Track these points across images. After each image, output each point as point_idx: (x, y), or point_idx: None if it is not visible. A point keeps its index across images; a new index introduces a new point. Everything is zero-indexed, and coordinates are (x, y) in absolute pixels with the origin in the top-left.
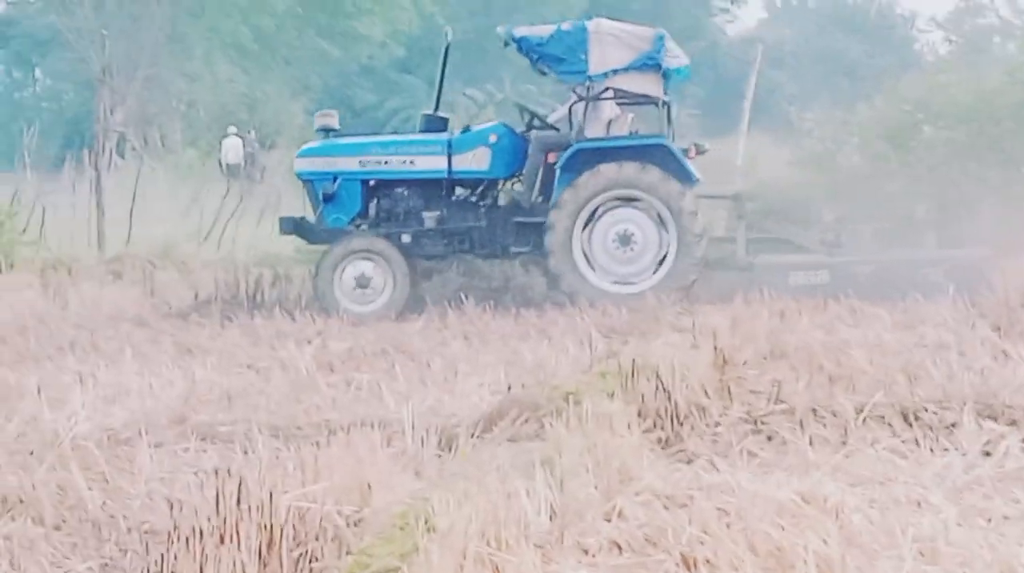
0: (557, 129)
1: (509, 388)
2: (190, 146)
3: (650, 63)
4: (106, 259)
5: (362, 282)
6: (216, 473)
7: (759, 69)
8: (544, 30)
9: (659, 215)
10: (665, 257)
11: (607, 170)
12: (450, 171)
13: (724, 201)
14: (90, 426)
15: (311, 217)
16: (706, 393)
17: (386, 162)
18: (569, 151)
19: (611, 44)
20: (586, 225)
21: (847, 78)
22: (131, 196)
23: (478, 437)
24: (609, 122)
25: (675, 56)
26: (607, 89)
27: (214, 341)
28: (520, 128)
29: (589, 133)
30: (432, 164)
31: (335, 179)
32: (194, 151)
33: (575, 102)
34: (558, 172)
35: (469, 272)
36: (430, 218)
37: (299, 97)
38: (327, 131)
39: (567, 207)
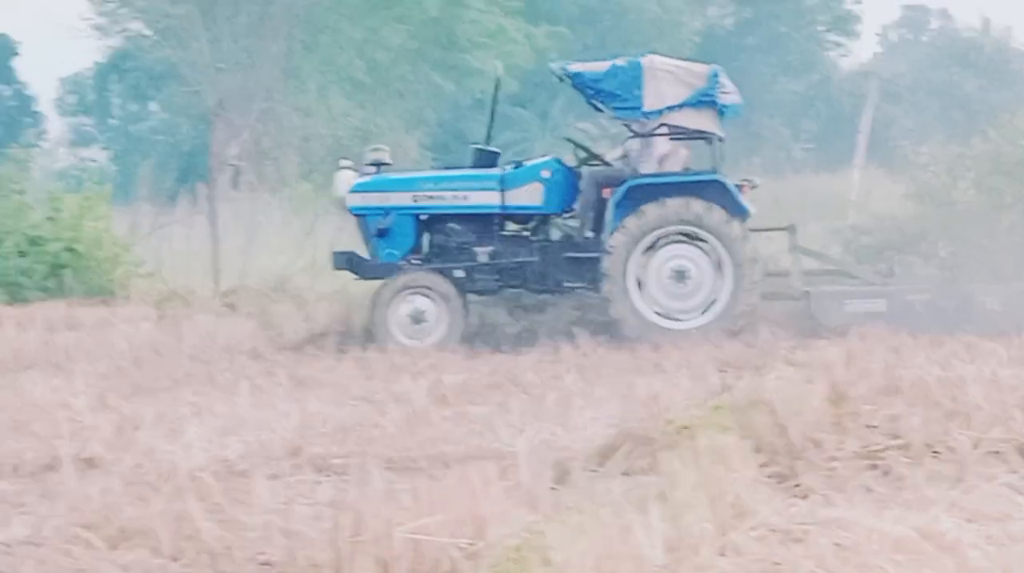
0: (609, 164)
1: (623, 421)
2: (305, 179)
3: (705, 100)
4: (221, 291)
5: (416, 317)
6: (332, 505)
7: (873, 103)
8: (599, 66)
9: (714, 251)
10: (718, 295)
11: (661, 206)
12: (503, 206)
13: (779, 233)
14: (206, 457)
15: (363, 252)
16: (822, 428)
17: (439, 197)
18: (623, 187)
19: (666, 80)
20: (641, 260)
21: (962, 112)
22: (246, 229)
23: (592, 470)
24: (662, 158)
25: (729, 93)
26: (661, 125)
27: (328, 373)
28: (573, 163)
29: (643, 169)
30: (485, 199)
31: (388, 214)
32: (308, 184)
33: (629, 138)
34: (612, 208)
35: (582, 306)
36: (483, 253)
37: (413, 131)
38: (378, 165)
39: (621, 243)
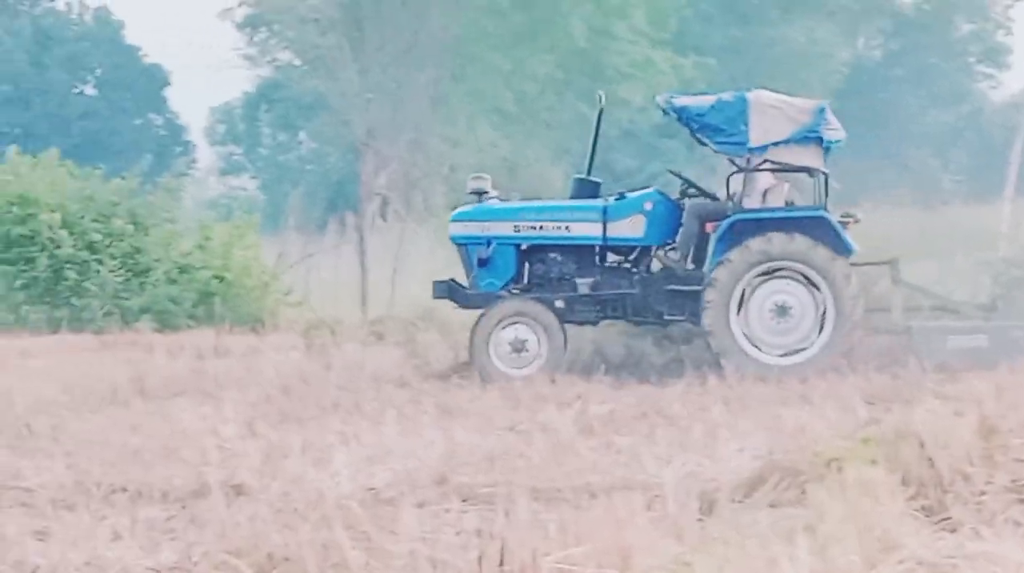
0: (711, 197)
1: (770, 453)
2: (452, 209)
3: (811, 136)
4: (369, 320)
5: (517, 346)
6: (478, 534)
7: None
8: (705, 100)
9: (816, 287)
10: (821, 329)
11: (765, 241)
12: (605, 238)
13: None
14: (353, 486)
15: (461, 280)
16: (971, 461)
17: (541, 227)
18: (727, 221)
19: (772, 116)
20: (743, 294)
21: None
22: (393, 258)
23: (739, 502)
24: (765, 192)
25: (834, 129)
26: (765, 160)
27: (474, 403)
28: (674, 195)
29: (746, 203)
30: (587, 230)
31: (489, 243)
32: None
33: (733, 172)
34: (715, 241)
35: None
36: (583, 284)
37: (559, 161)
38: (480, 194)
39: (725, 276)
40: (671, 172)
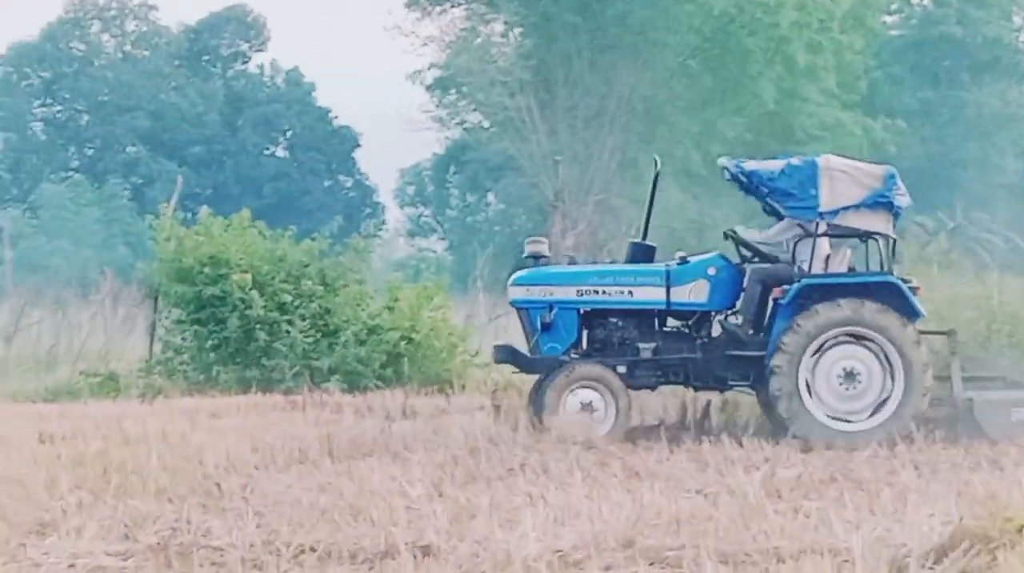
0: (772, 261)
1: (960, 519)
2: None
3: (881, 201)
4: None
5: (587, 409)
6: None
7: None
8: (774, 165)
9: (884, 354)
10: (888, 397)
11: (834, 307)
12: (668, 302)
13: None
14: (540, 547)
15: (521, 345)
16: None
17: (604, 292)
18: (796, 287)
19: (842, 181)
20: (810, 361)
21: None
22: None
23: (928, 568)
24: (827, 257)
25: (902, 194)
26: (835, 225)
27: (662, 465)
28: (735, 259)
29: (807, 268)
30: (650, 295)
31: (551, 308)
32: None
33: (801, 237)
34: (782, 306)
35: None
36: (645, 349)
37: (748, 222)
38: (536, 258)
39: (793, 342)
40: (729, 236)
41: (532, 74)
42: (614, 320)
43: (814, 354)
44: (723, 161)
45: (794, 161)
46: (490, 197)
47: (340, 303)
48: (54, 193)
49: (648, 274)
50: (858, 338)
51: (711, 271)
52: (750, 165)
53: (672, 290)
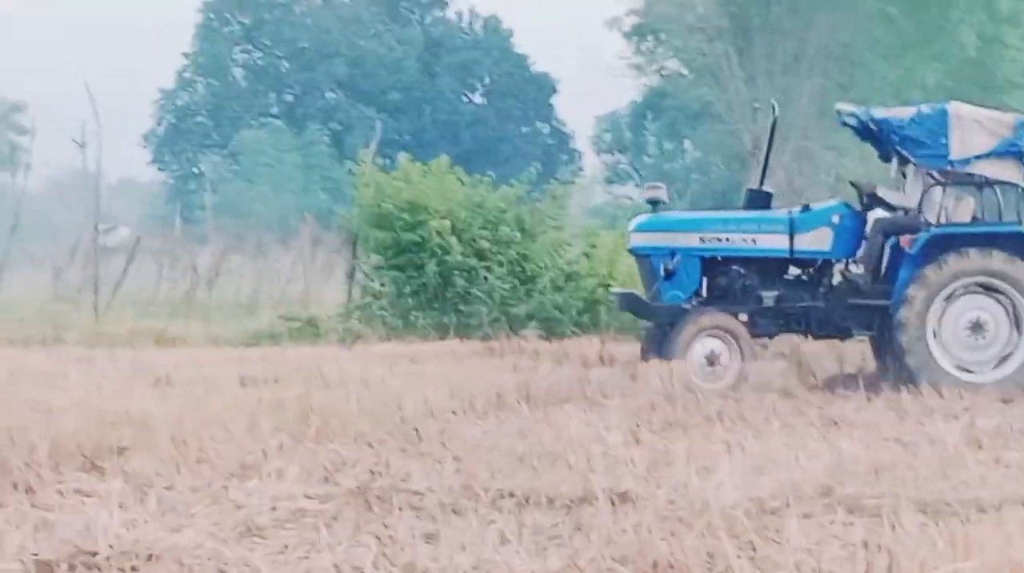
0: (895, 209)
1: None
2: None
3: (1012, 150)
4: None
5: (711, 359)
6: (864, 547)
7: None
8: (904, 112)
9: (1012, 305)
10: (1014, 349)
11: (962, 257)
12: (792, 250)
13: None
14: (737, 495)
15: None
16: None
17: (727, 239)
18: (925, 236)
19: (972, 129)
20: (937, 311)
21: None
22: None
23: None
24: (948, 206)
25: None
26: (966, 174)
27: (859, 414)
28: (858, 207)
29: (931, 217)
30: (774, 242)
31: (674, 255)
32: None
33: (931, 185)
34: (908, 256)
35: None
36: (768, 297)
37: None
38: (655, 204)
39: (920, 294)
40: (853, 184)
41: (730, 20)
42: (736, 268)
43: (942, 304)
44: (843, 106)
45: (924, 109)
46: (687, 144)
47: (537, 250)
48: (254, 139)
49: (772, 221)
50: (986, 288)
51: (835, 219)
52: (880, 112)
53: (795, 238)
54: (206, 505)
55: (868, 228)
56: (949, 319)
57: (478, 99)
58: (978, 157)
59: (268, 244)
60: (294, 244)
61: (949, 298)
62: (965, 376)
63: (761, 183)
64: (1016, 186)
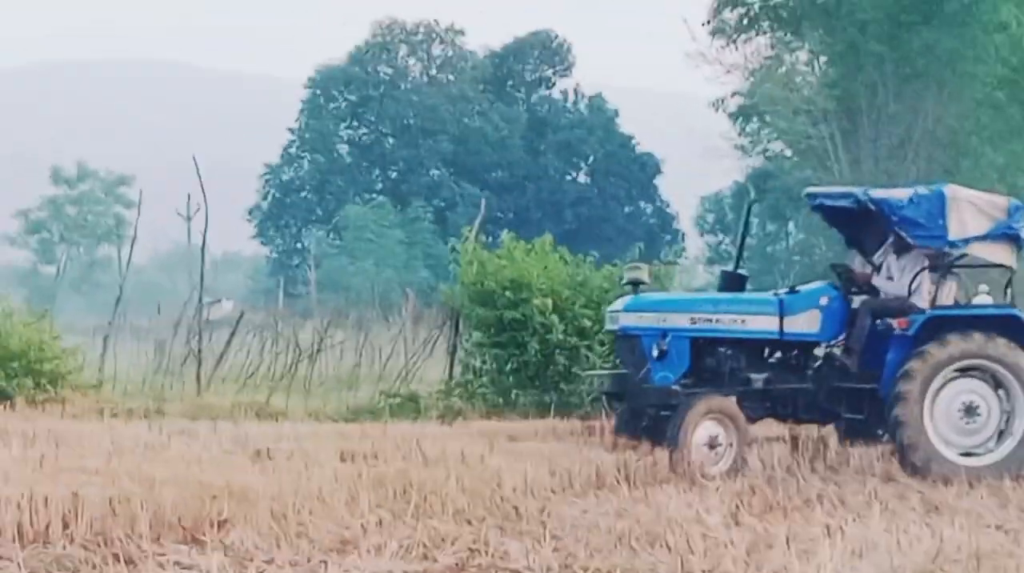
0: (875, 293)
1: None
2: None
3: (1009, 233)
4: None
5: (712, 443)
6: None
7: None
8: (901, 194)
9: (1006, 388)
10: (1003, 431)
11: (965, 338)
12: (782, 332)
13: None
14: None
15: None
16: None
17: (717, 320)
18: (923, 318)
19: (969, 211)
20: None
21: None
22: None
23: None
24: (934, 288)
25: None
26: (962, 255)
27: (961, 500)
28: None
29: (921, 302)
30: (764, 325)
31: (665, 335)
32: None
33: (924, 267)
34: (900, 338)
35: None
36: (757, 379)
37: None
38: (636, 285)
39: (922, 369)
40: (834, 267)
41: (836, 103)
42: (724, 349)
43: (938, 386)
44: (813, 189)
45: (921, 190)
46: (791, 226)
47: None
48: (358, 214)
49: (762, 303)
50: (970, 371)
51: (823, 301)
52: (878, 193)
53: (785, 319)
54: None
55: (851, 312)
56: (941, 402)
57: (582, 178)
58: (974, 239)
59: (370, 319)
60: (396, 320)
61: (945, 380)
62: (964, 461)
63: (736, 266)
64: (1010, 269)
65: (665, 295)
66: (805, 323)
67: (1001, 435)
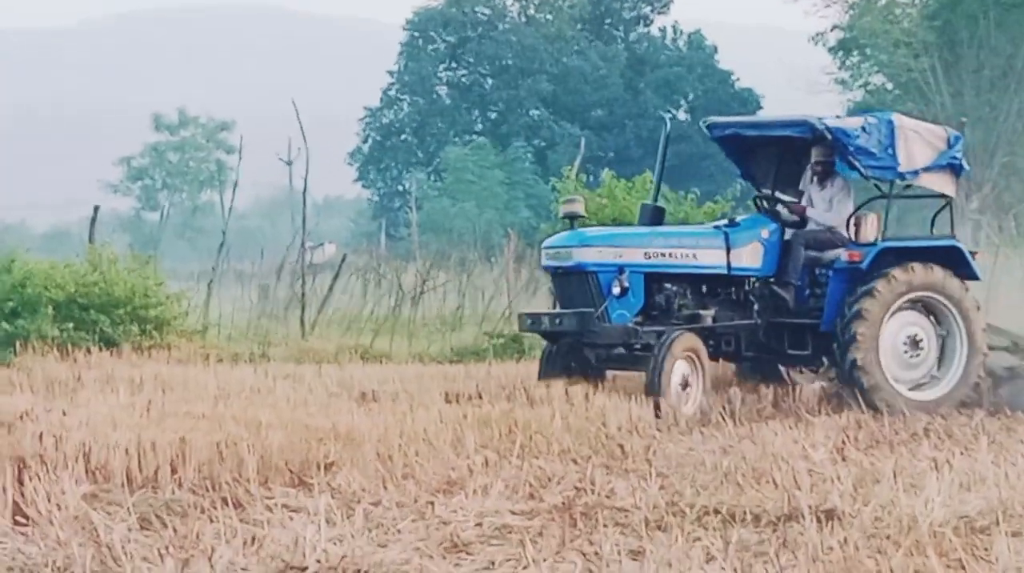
0: (802, 225)
1: None
2: None
3: (953, 163)
4: None
5: (684, 382)
6: None
7: None
8: (854, 122)
9: (949, 319)
10: (942, 362)
11: (907, 272)
12: (729, 267)
13: None
14: (945, 513)
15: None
16: None
17: (670, 255)
18: (874, 251)
19: (915, 141)
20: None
21: None
22: (986, 285)
23: None
24: (855, 220)
25: (963, 156)
26: (908, 186)
27: None
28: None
29: (846, 232)
30: (713, 259)
31: (622, 271)
32: None
33: (875, 197)
34: (850, 272)
35: None
36: (706, 316)
37: None
38: (572, 219)
39: (875, 309)
40: (762, 199)
41: (936, 35)
42: (670, 286)
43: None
44: (713, 119)
45: (871, 119)
46: None
47: None
48: (458, 156)
49: (710, 235)
50: (915, 303)
51: (764, 234)
52: (832, 122)
53: (732, 253)
54: (412, 521)
55: (792, 245)
56: (887, 336)
57: (682, 115)
58: (922, 170)
59: (472, 261)
60: (498, 261)
61: (892, 315)
62: (915, 395)
63: (655, 198)
64: (949, 199)
65: (618, 229)
66: (749, 257)
67: (939, 363)
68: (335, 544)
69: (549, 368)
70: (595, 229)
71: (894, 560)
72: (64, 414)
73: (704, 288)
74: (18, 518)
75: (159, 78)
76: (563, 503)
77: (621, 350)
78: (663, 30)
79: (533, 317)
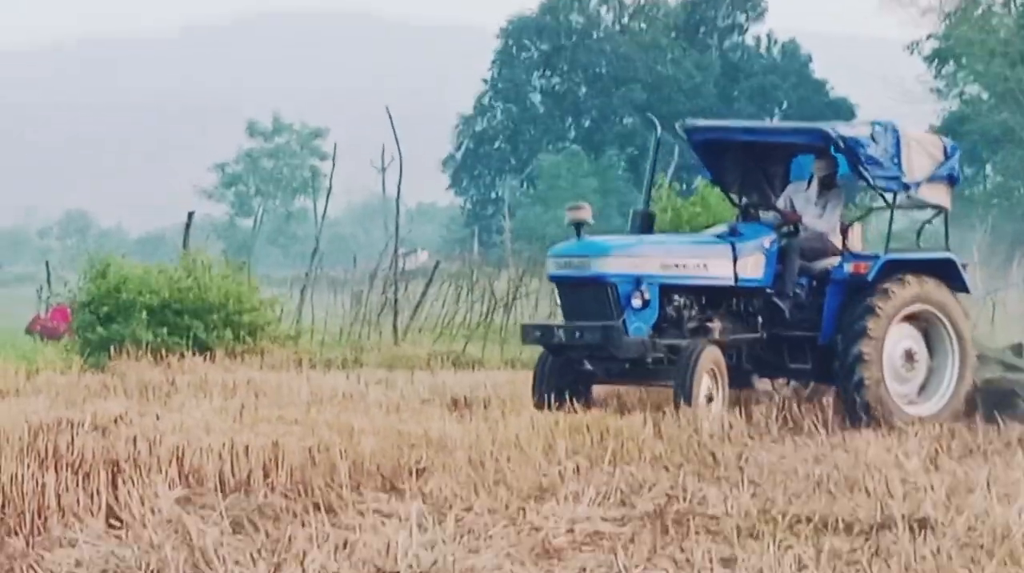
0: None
1: None
2: None
3: (952, 174)
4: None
5: (710, 396)
6: None
7: None
8: (861, 130)
9: (940, 331)
10: (933, 376)
11: (903, 286)
12: (736, 278)
13: None
14: None
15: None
16: None
17: (684, 266)
18: (879, 263)
19: (916, 151)
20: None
21: None
22: None
23: None
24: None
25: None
26: (907, 198)
27: None
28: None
29: (836, 241)
30: (721, 270)
31: (639, 282)
32: None
33: (876, 207)
34: (842, 283)
35: None
36: (713, 329)
37: None
38: (579, 226)
39: (877, 328)
40: (751, 207)
41: None
42: (679, 297)
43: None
44: (692, 122)
45: (877, 127)
46: (988, 169)
47: None
48: (552, 164)
49: (718, 244)
50: (909, 317)
51: (766, 243)
52: (844, 131)
53: (738, 264)
54: (503, 527)
55: (787, 254)
56: (886, 353)
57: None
58: (924, 182)
59: None
60: None
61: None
62: (914, 410)
63: (646, 203)
64: (945, 211)
65: (634, 238)
66: (753, 268)
67: (929, 377)
68: (426, 550)
69: (546, 384)
70: (610, 238)
71: (987, 570)
72: (157, 418)
73: (704, 299)
74: (112, 521)
75: (251, 82)
76: (655, 510)
77: (631, 365)
78: (757, 39)
79: (543, 329)
